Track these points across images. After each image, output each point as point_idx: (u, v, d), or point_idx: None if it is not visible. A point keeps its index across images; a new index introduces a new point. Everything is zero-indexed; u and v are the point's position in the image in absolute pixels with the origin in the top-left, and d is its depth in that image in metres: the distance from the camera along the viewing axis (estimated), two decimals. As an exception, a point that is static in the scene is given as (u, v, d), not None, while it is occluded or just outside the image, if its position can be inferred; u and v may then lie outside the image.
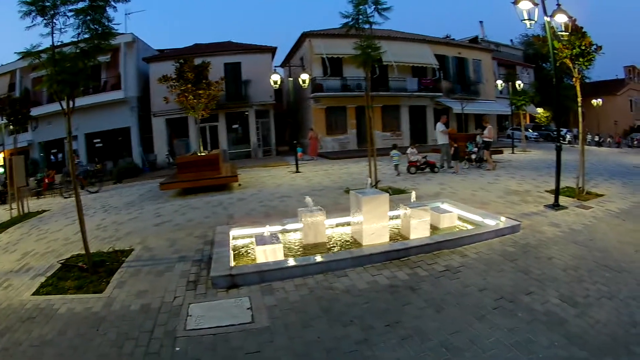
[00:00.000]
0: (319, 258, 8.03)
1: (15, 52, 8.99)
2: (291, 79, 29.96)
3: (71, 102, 8.80)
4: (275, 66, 38.75)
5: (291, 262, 7.91)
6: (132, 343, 5.70)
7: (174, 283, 7.56)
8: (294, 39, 41.18)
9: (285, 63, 45.20)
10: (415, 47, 40.04)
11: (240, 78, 36.57)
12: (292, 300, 6.56)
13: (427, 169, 20.03)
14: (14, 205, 19.53)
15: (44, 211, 19.51)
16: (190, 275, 7.90)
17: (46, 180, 29.00)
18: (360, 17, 14.23)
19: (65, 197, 22.80)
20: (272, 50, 38.69)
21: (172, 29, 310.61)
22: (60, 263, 9.68)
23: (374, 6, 14.03)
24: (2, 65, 40.00)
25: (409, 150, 20.50)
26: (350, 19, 14.37)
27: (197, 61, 22.57)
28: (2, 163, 37.75)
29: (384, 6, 14.04)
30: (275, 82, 27.73)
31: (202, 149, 23.97)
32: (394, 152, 20.80)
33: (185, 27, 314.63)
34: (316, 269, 7.58)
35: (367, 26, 14.41)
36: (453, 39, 51.10)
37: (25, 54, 8.50)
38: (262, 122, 38.24)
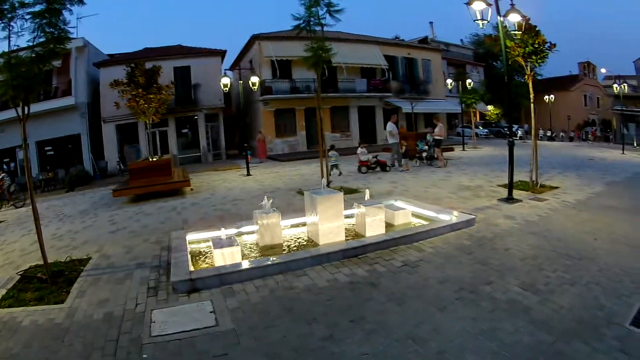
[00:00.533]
0: (277, 259, 8.06)
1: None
2: (241, 82, 29.88)
3: (26, 108, 8.68)
4: (225, 69, 38.52)
5: (250, 263, 7.96)
6: (99, 353, 5.64)
7: (135, 290, 7.51)
8: (244, 42, 41.27)
9: (234, 66, 45.15)
10: (364, 49, 40.50)
11: (190, 82, 36.48)
12: (254, 301, 6.59)
13: (378, 168, 20.26)
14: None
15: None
16: (150, 281, 7.86)
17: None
18: (312, 19, 14.28)
19: (18, 207, 22.26)
20: (221, 54, 38.68)
21: (122, 33, 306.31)
22: (19, 274, 9.50)
23: (325, 8, 14.10)
24: None
25: (359, 150, 20.70)
26: (301, 21, 14.40)
27: (148, 65, 22.42)
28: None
29: (336, 8, 14.12)
30: (225, 86, 27.62)
31: (153, 154, 23.75)
32: (331, 152, 20.09)
33: (134, 30, 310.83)
34: (275, 269, 7.62)
35: (318, 28, 14.48)
36: (402, 40, 51.73)
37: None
38: (212, 126, 38.20)
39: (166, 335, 5.83)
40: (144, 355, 5.50)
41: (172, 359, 5.41)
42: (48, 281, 8.47)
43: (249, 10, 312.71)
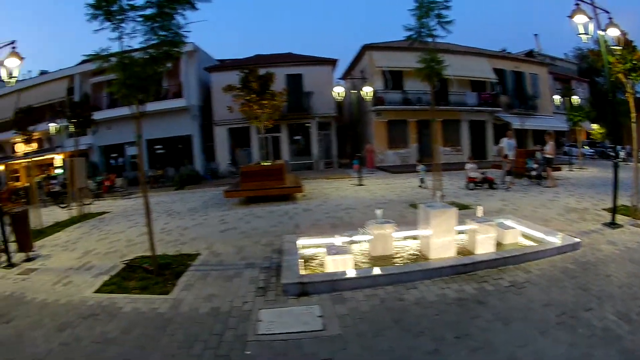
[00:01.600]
0: (389, 270, 7.94)
1: (83, 55, 9.09)
2: (353, 91, 29.87)
3: (140, 107, 8.90)
4: (337, 78, 38.62)
5: (362, 272, 7.85)
6: (202, 345, 5.69)
7: (244, 288, 7.57)
8: (354, 52, 41.04)
9: (346, 75, 45.04)
10: (473, 61, 39.31)
11: (302, 89, 36.39)
12: (363, 310, 6.47)
13: (486, 185, 19.75)
14: (74, 205, 19.90)
15: (104, 213, 20.05)
16: (260, 281, 7.90)
17: (106, 183, 29.74)
18: (423, 30, 14.13)
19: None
20: (333, 63, 38.56)
21: (232, 40, 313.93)
22: (125, 263, 9.83)
23: (436, 19, 13.93)
24: (60, 69, 41.28)
25: (467, 166, 20.18)
26: (413, 32, 14.27)
27: (261, 72, 22.68)
28: (61, 164, 39.04)
29: (446, 19, 13.92)
30: (339, 95, 27.72)
31: (265, 159, 24.03)
32: (420, 167, 21.52)
33: (244, 37, 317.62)
34: (386, 280, 7.48)
35: (429, 39, 14.30)
36: (509, 53, 50.35)
37: (94, 57, 8.59)
38: (324, 134, 37.92)
39: (272, 334, 5.80)
40: (248, 352, 5.49)
41: (276, 358, 5.38)
42: (154, 272, 8.72)
43: (360, 20, 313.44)
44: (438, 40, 14.40)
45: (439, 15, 13.91)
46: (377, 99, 35.38)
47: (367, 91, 29.04)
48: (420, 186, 21.18)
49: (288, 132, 36.89)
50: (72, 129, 22.80)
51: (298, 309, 6.56)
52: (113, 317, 6.90)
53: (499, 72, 40.58)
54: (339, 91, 27.66)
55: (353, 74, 41.49)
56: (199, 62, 36.31)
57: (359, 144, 38.71)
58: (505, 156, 20.26)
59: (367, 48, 37.44)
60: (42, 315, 7.51)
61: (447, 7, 13.89)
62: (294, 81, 35.88)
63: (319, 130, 37.39)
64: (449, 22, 13.95)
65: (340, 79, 41.08)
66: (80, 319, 7.05)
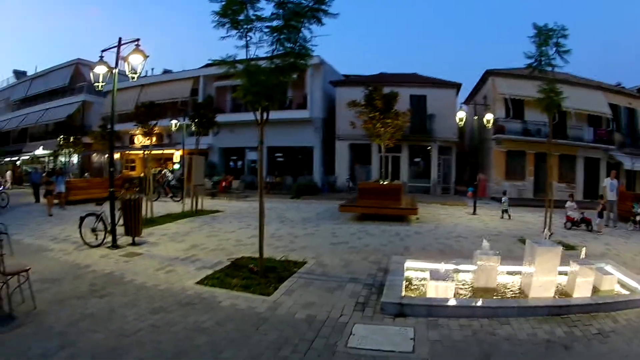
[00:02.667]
0: (487, 302, 7.85)
1: (209, 59, 9.52)
2: (476, 117, 29.43)
3: (265, 114, 9.22)
4: (461, 103, 37.96)
5: (460, 302, 7.81)
6: (290, 348, 5.85)
7: (343, 301, 7.71)
8: (478, 76, 40.04)
9: (468, 100, 43.71)
10: (589, 94, 36.68)
11: (425, 112, 35.88)
12: (455, 338, 6.44)
13: (583, 226, 18.98)
14: (187, 201, 20.70)
15: (217, 211, 21.10)
16: (360, 297, 8.00)
17: (223, 184, 30.83)
18: (543, 58, 13.87)
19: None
20: (457, 86, 37.91)
21: (355, 55, 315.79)
22: (231, 261, 10.33)
23: (555, 48, 13.66)
24: (184, 70, 43.80)
25: (567, 204, 19.38)
26: (533, 60, 14.03)
27: (385, 90, 22.70)
28: (178, 160, 40.60)
29: (564, 48, 13.64)
30: (461, 120, 27.46)
31: (384, 178, 24.07)
32: (503, 198, 21.84)
33: (368, 54, 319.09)
34: (483, 312, 7.39)
35: (549, 68, 14.02)
36: (623, 87, 47.73)
37: (220, 62, 9.08)
38: (444, 158, 37.04)
39: (362, 349, 5.87)
40: None
41: (361, 372, 5.43)
42: (259, 273, 9.08)
43: (484, 44, 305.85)
44: (557, 69, 14.10)
45: (557, 44, 13.70)
46: (498, 127, 34.35)
47: (489, 118, 28.50)
48: (502, 217, 21.29)
49: (408, 153, 36.48)
50: (194, 128, 23.70)
51: (392, 328, 6.61)
52: (210, 309, 7.28)
53: (612, 107, 37.64)
54: (461, 116, 27.37)
55: (476, 100, 40.61)
56: (324, 75, 36.80)
57: (477, 171, 37.97)
58: (601, 197, 19.52)
59: (490, 74, 36.61)
60: (137, 296, 8.09)
61: (565, 36, 13.63)
62: (418, 102, 35.35)
63: (439, 154, 36.61)
64: (566, 52, 13.69)
65: (463, 103, 40.27)
66: (176, 305, 7.51)
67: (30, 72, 65.86)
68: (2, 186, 29.07)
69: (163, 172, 33.00)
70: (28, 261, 9.24)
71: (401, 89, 26.27)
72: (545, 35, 13.71)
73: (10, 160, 61.61)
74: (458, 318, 7.13)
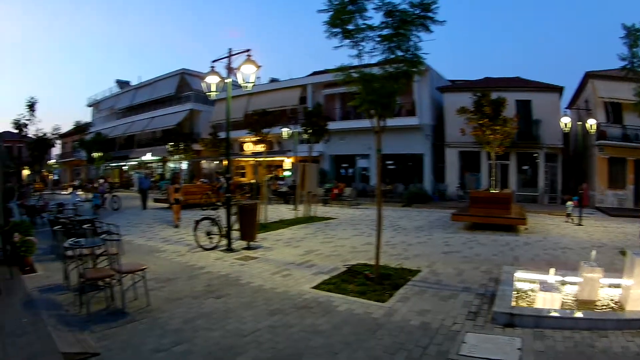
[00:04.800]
0: (589, 315, 7.77)
1: (326, 69, 9.86)
2: (579, 123, 28.54)
3: (381, 122, 9.49)
4: (564, 108, 36.76)
5: (565, 313, 7.75)
6: (404, 353, 6.04)
7: (456, 310, 7.83)
8: (577, 78, 38.44)
9: (571, 104, 42.61)
10: None
11: (531, 117, 34.70)
12: (559, 349, 6.42)
13: None
14: (300, 207, 21.26)
15: (330, 218, 21.69)
16: (472, 306, 8.11)
17: (335, 191, 31.32)
18: (635, 60, 13.43)
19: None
20: (559, 90, 36.12)
21: (459, 60, 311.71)
22: (347, 267, 10.72)
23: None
24: (292, 79, 44.86)
25: None
26: (627, 62, 13.60)
27: (492, 95, 22.48)
28: (289, 167, 41.50)
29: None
30: (566, 125, 26.73)
31: (494, 186, 23.87)
32: (569, 203, 22.79)
33: (466, 57, 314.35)
34: (585, 324, 7.30)
35: (641, 70, 13.53)
36: None
37: (336, 70, 9.44)
38: (550, 166, 35.68)
39: (473, 357, 6.00)
40: None
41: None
42: (374, 280, 9.36)
43: (583, 43, 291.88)
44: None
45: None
46: (600, 133, 32.71)
47: (592, 123, 27.41)
48: (566, 221, 21.77)
49: (516, 160, 35.44)
50: (305, 135, 24.22)
51: (502, 338, 6.69)
52: (326, 313, 7.60)
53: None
54: (566, 121, 26.53)
55: (578, 104, 39.22)
56: (430, 81, 36.44)
57: (581, 180, 36.79)
58: None
59: (589, 76, 34.99)
60: (255, 298, 8.55)
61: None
62: (523, 107, 34.32)
63: (546, 162, 35.33)
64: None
65: (566, 108, 38.91)
66: (293, 308, 7.89)
67: (133, 82, 69.62)
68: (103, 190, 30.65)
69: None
70: (141, 261, 9.89)
71: (507, 93, 25.66)
72: (635, 36, 13.23)
73: (116, 166, 65.51)
74: (562, 330, 7.10)
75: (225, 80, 14.53)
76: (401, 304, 8.09)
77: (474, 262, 11.94)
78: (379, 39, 8.99)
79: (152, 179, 38.54)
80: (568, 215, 22.14)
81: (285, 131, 32.97)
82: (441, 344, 6.38)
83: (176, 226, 19.02)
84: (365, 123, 11.84)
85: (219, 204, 15.66)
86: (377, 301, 8.23)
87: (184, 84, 54.50)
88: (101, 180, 37.54)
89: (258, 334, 6.70)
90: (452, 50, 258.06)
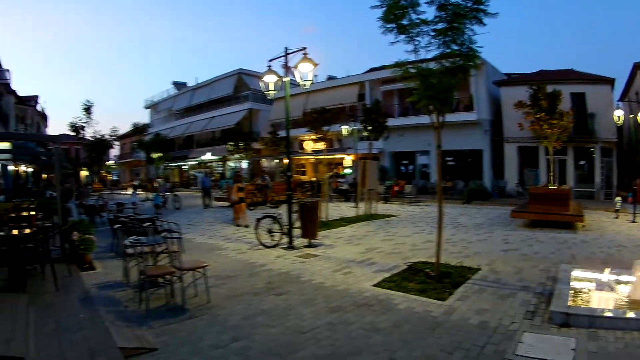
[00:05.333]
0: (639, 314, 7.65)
1: (384, 65, 9.87)
2: (632, 115, 27.72)
3: (440, 118, 9.46)
4: (617, 100, 35.54)
5: (618, 313, 7.58)
6: (462, 352, 6.01)
7: (514, 309, 7.74)
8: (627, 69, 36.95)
9: (623, 97, 41.11)
10: None
11: (586, 110, 33.55)
12: (610, 350, 6.29)
13: None
14: (361, 205, 21.30)
15: (391, 216, 21.69)
16: (530, 305, 7.99)
17: (395, 188, 31.34)
18: None
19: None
20: (611, 82, 34.97)
21: (511, 53, 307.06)
22: (407, 265, 10.73)
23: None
24: (349, 76, 44.66)
25: None
26: None
27: (547, 89, 22.11)
28: (350, 165, 41.58)
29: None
30: (619, 118, 26.06)
31: (552, 182, 23.45)
32: (617, 199, 22.70)
33: (527, 49, 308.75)
34: (636, 325, 7.08)
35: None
36: None
37: (395, 65, 9.45)
38: (606, 161, 34.42)
39: (528, 357, 5.92)
40: None
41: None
42: (435, 278, 9.34)
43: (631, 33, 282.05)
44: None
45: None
46: None
47: None
48: (616, 217, 21.46)
49: (574, 155, 34.32)
50: (365, 133, 24.23)
51: (557, 338, 6.58)
52: (386, 311, 7.62)
53: None
54: (618, 114, 25.86)
55: (629, 97, 38.07)
56: (487, 75, 35.83)
57: (635, 175, 35.73)
58: None
59: (638, 67, 34.12)
60: (315, 296, 8.64)
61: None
62: (578, 100, 33.26)
63: (602, 157, 34.06)
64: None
65: (618, 100, 37.66)
66: (353, 306, 7.94)
67: (190, 84, 70.81)
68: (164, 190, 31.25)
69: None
70: (202, 259, 10.00)
71: (561, 86, 25.12)
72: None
73: (176, 166, 67.16)
74: (615, 330, 6.94)
75: (283, 79, 14.70)
76: (460, 303, 8.05)
77: (532, 260, 11.77)
78: (433, 34, 8.97)
79: (212, 178, 38.93)
80: (617, 211, 21.86)
81: (344, 129, 33.04)
82: (498, 343, 6.33)
83: (238, 225, 19.11)
84: (424, 119, 11.80)
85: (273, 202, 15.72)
86: (437, 299, 8.21)
87: (241, 84, 55.14)
88: (160, 180, 38.28)
89: (317, 331, 6.77)
90: (504, 43, 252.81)
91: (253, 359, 5.92)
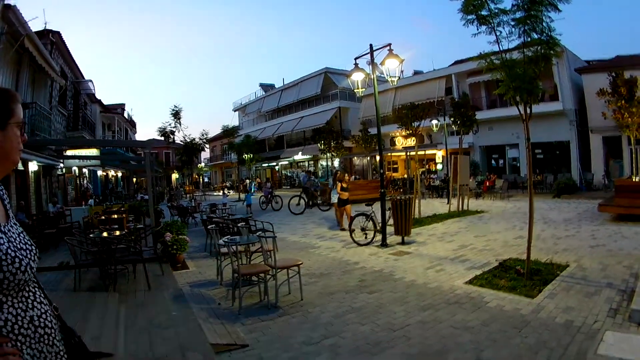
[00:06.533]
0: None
1: (469, 57, 9.82)
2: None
3: (528, 109, 9.37)
4: None
5: None
6: (547, 352, 5.96)
7: (598, 307, 7.59)
8: None
9: None
10: None
11: None
12: None
13: None
14: (453, 201, 21.28)
15: (482, 212, 21.60)
16: (614, 302, 7.83)
17: (487, 183, 30.98)
18: None
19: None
20: None
21: (589, 38, 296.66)
22: (499, 262, 10.64)
23: None
24: (435, 70, 44.70)
25: None
26: None
27: (625, 75, 21.39)
28: (440, 160, 41.33)
29: None
30: None
31: (636, 173, 22.66)
32: None
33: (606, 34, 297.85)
34: None
35: None
36: None
37: (480, 57, 9.47)
38: None
39: (609, 357, 5.82)
40: None
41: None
42: (525, 276, 9.24)
43: None
44: None
45: None
46: None
47: None
48: None
49: None
50: (454, 127, 24.08)
51: (637, 338, 6.43)
52: (477, 309, 7.62)
53: None
54: None
55: None
56: (567, 63, 34.62)
57: None
58: None
59: None
60: (407, 293, 8.73)
61: None
62: None
63: None
64: None
65: None
66: (444, 303, 7.98)
67: (277, 85, 72.08)
68: (267, 190, 31.40)
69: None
70: (295, 257, 10.31)
71: (638, 72, 24.32)
72: None
73: (268, 166, 68.79)
74: None
75: (370, 76, 14.76)
76: (548, 300, 7.96)
77: (617, 256, 11.40)
78: (513, 23, 8.89)
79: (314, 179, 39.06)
80: None
81: (434, 124, 32.81)
82: (581, 343, 6.25)
83: (343, 229, 17.33)
84: (512, 111, 11.57)
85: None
86: (526, 297, 8.15)
87: (328, 83, 55.54)
88: (258, 180, 38.80)
89: (407, 329, 6.83)
90: (581, 29, 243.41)
91: (343, 355, 6.04)
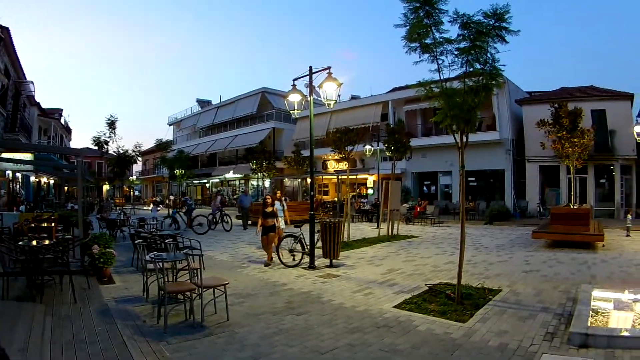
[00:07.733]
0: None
1: (407, 84, 9.93)
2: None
3: (464, 138, 9.48)
4: (637, 116, 35.09)
5: (635, 332, 7.49)
6: (480, 375, 5.93)
7: (534, 330, 7.67)
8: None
9: None
10: None
11: (606, 127, 33.19)
12: None
13: None
14: (383, 225, 21.43)
15: (413, 236, 21.78)
16: (550, 326, 7.92)
17: (418, 209, 31.49)
18: None
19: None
20: (631, 98, 34.61)
21: (532, 70, 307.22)
22: (428, 286, 10.67)
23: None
24: (372, 95, 45.37)
25: None
26: None
27: (568, 106, 22.09)
28: (372, 185, 41.79)
29: None
30: (638, 134, 25.76)
31: (573, 201, 23.35)
32: (629, 216, 23.24)
33: (548, 67, 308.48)
34: None
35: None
36: None
37: (419, 85, 9.49)
38: (626, 179, 33.99)
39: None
40: None
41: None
42: (456, 300, 9.28)
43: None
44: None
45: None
46: None
47: None
48: (627, 235, 21.81)
49: (594, 174, 34.07)
50: (387, 153, 24.37)
51: (574, 359, 6.53)
52: (406, 332, 7.58)
53: None
54: (638, 130, 25.49)
55: None
56: (509, 94, 35.68)
57: None
58: None
59: None
60: (335, 316, 8.63)
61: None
62: (599, 117, 32.91)
63: (621, 174, 33.77)
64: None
65: (638, 116, 37.30)
66: (373, 327, 7.90)
67: (214, 101, 72.31)
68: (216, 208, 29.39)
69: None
70: (222, 276, 10.03)
71: (582, 103, 25.42)
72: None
73: (199, 183, 68.91)
74: (631, 350, 6.85)
75: (307, 98, 14.76)
76: (481, 324, 7.99)
77: (553, 282, 11.72)
78: (457, 52, 9.03)
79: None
80: (628, 229, 22.16)
81: (368, 148, 33.09)
82: (517, 366, 6.26)
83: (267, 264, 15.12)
84: (447, 139, 11.79)
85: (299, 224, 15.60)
86: (457, 321, 8.16)
87: (265, 103, 55.91)
88: (185, 198, 38.02)
89: (336, 352, 6.73)
90: (525, 62, 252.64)
91: (271, 378, 5.89)
